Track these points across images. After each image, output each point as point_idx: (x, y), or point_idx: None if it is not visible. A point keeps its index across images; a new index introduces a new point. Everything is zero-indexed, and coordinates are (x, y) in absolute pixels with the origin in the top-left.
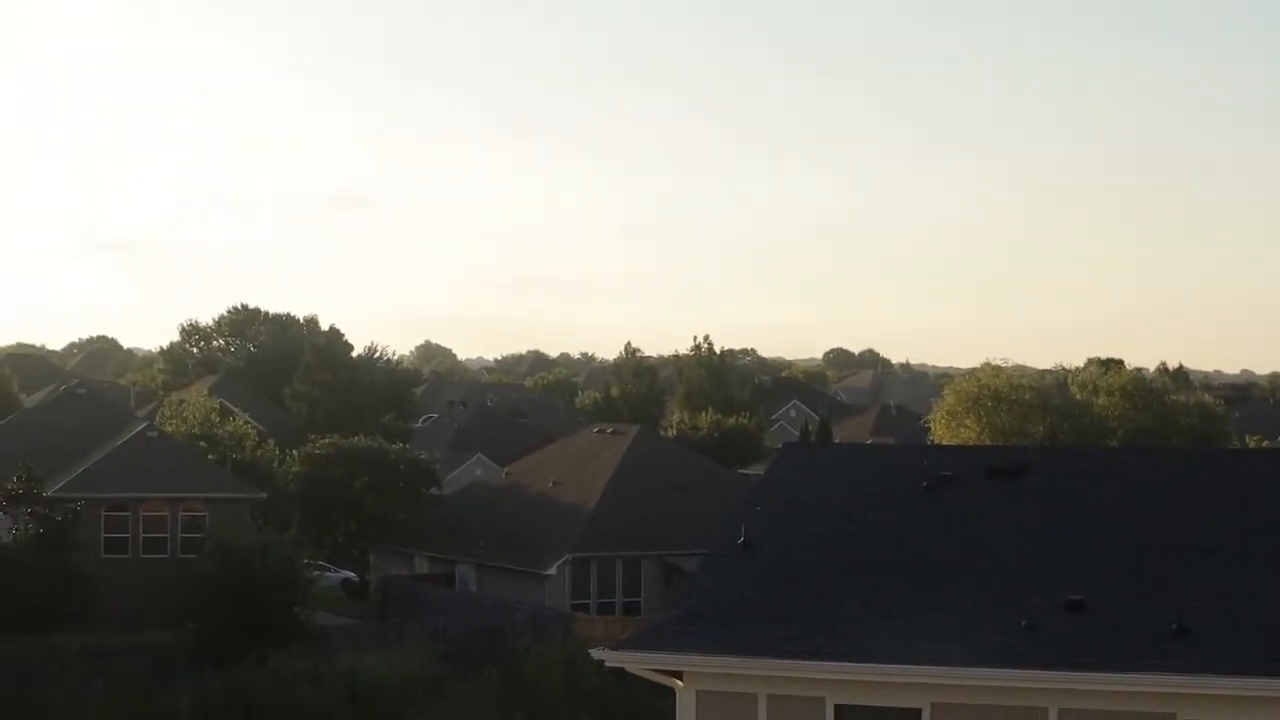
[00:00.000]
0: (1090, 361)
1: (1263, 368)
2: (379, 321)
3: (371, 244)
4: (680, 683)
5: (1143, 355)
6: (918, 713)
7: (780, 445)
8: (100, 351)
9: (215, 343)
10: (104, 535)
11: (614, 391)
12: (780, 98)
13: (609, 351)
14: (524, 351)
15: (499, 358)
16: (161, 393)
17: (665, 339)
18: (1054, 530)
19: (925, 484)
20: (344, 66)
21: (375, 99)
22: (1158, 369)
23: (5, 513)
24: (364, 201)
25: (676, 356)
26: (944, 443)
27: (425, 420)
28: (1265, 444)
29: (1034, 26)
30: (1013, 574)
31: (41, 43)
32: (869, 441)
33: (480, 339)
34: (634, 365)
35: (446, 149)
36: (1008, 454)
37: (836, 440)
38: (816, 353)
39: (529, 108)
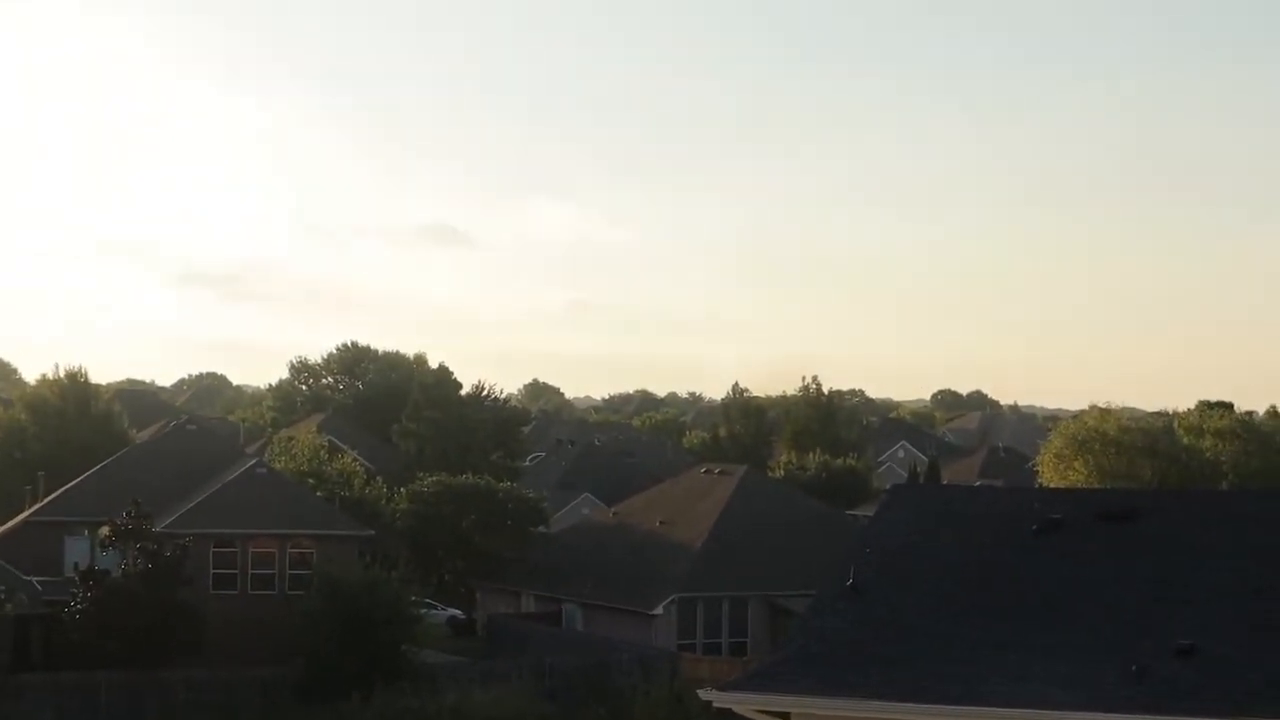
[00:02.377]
0: (1199, 404)
1: None
2: (487, 359)
3: (474, 280)
4: None
5: (1253, 398)
6: None
7: (888, 486)
8: (209, 388)
9: (324, 380)
10: (212, 571)
11: (722, 431)
12: (887, 141)
13: (717, 391)
14: (632, 391)
15: (607, 397)
16: (270, 429)
17: (773, 379)
18: (1164, 574)
19: (1035, 527)
20: (437, 103)
21: (470, 134)
22: (1267, 412)
23: (115, 548)
24: (461, 238)
25: (784, 397)
26: (1052, 485)
27: (533, 459)
28: None
29: (1140, 77)
30: (1122, 618)
31: (136, 80)
32: (977, 483)
33: (588, 378)
34: (742, 405)
35: (544, 184)
36: (1118, 497)
37: (945, 482)
38: (924, 394)
39: (630, 143)
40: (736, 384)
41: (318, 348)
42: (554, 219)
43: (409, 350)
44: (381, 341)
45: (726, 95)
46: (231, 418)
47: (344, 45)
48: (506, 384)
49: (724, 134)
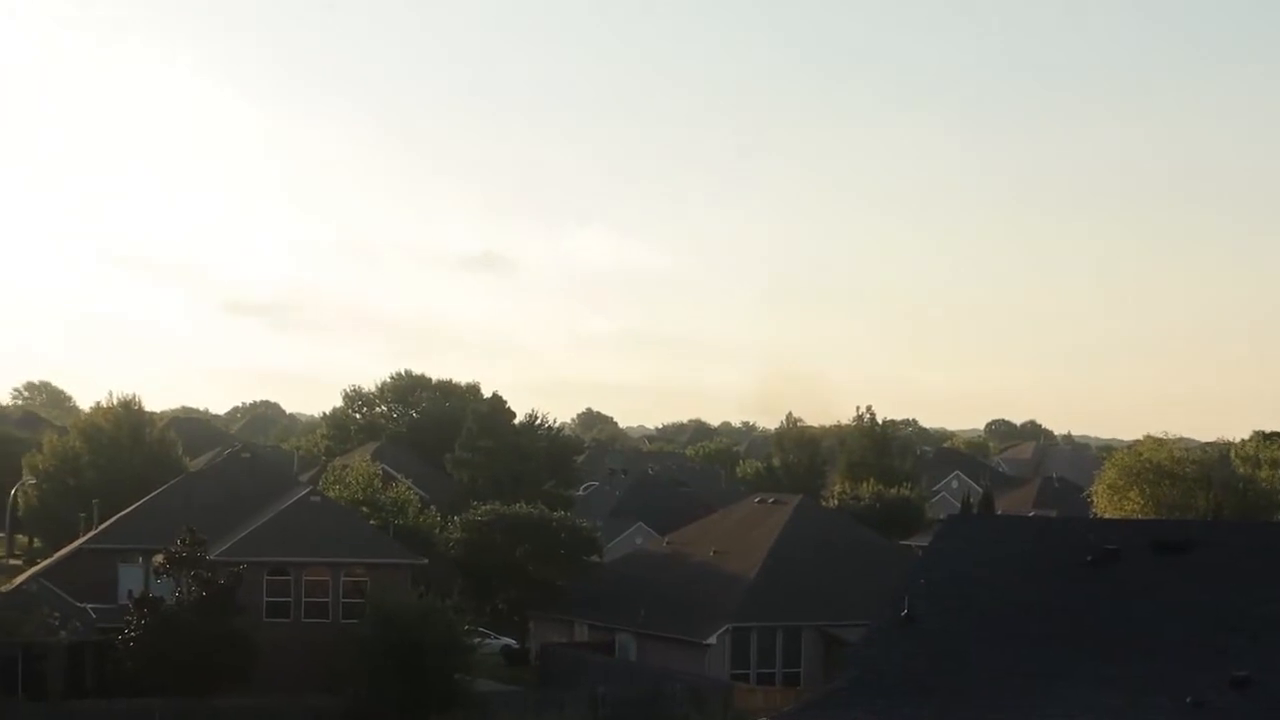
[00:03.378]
0: (1255, 434)
1: None
2: (536, 387)
3: (520, 307)
4: None
5: None
6: None
7: (942, 517)
8: (263, 416)
9: (378, 408)
10: (266, 599)
11: (775, 461)
12: (942, 171)
13: (770, 421)
14: (685, 420)
15: (660, 426)
16: (324, 458)
17: (827, 409)
18: (1220, 605)
19: (1089, 557)
20: (482, 130)
21: (514, 161)
22: None
23: (169, 575)
24: (507, 264)
25: (838, 427)
26: (1107, 516)
27: (586, 488)
28: None
29: (1203, 99)
30: (1178, 649)
31: (182, 108)
32: (1031, 514)
33: (640, 407)
34: (796, 435)
35: (588, 211)
36: (1172, 528)
37: (999, 512)
38: (978, 423)
39: (674, 172)
40: (790, 414)
41: (365, 375)
42: (598, 246)
43: (461, 379)
44: (430, 368)
45: (775, 125)
46: (285, 446)
47: (391, 75)
48: (559, 413)
49: (772, 164)
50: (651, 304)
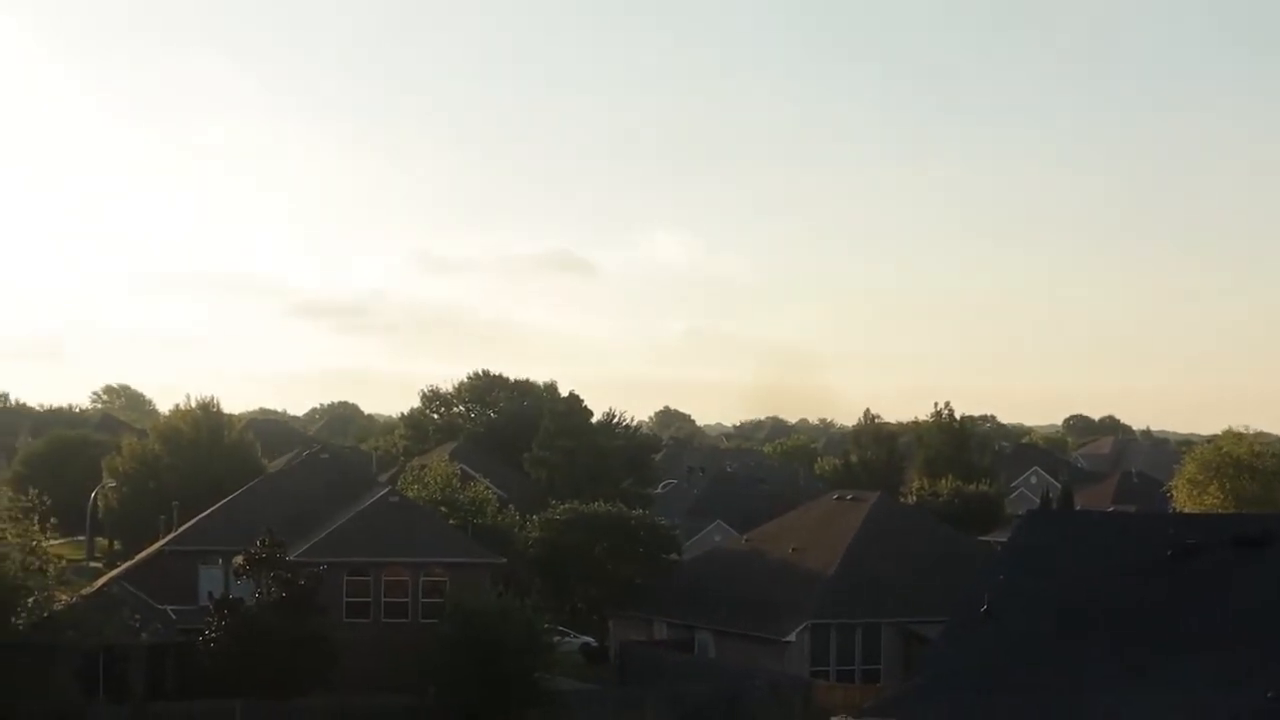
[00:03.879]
0: None
1: None
2: (612, 386)
3: (595, 308)
4: None
5: None
6: None
7: (1021, 512)
8: (341, 417)
9: (456, 408)
10: (345, 599)
11: (854, 458)
12: (1016, 169)
13: (848, 418)
14: (763, 417)
15: (738, 424)
16: (402, 458)
17: (905, 405)
18: None
19: (1170, 552)
20: (554, 133)
21: (588, 164)
22: None
23: (249, 577)
24: (581, 265)
25: (916, 423)
26: (1187, 511)
27: (665, 486)
28: None
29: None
30: (1259, 644)
31: (252, 114)
32: (1110, 509)
33: (717, 405)
34: (874, 431)
35: (661, 214)
36: (1253, 522)
37: (1078, 508)
38: (1056, 419)
39: (746, 174)
40: (868, 410)
41: (441, 376)
42: (671, 247)
43: (538, 378)
44: (506, 368)
45: (847, 126)
46: (364, 446)
47: (464, 79)
48: (636, 411)
49: (843, 164)
50: (725, 305)
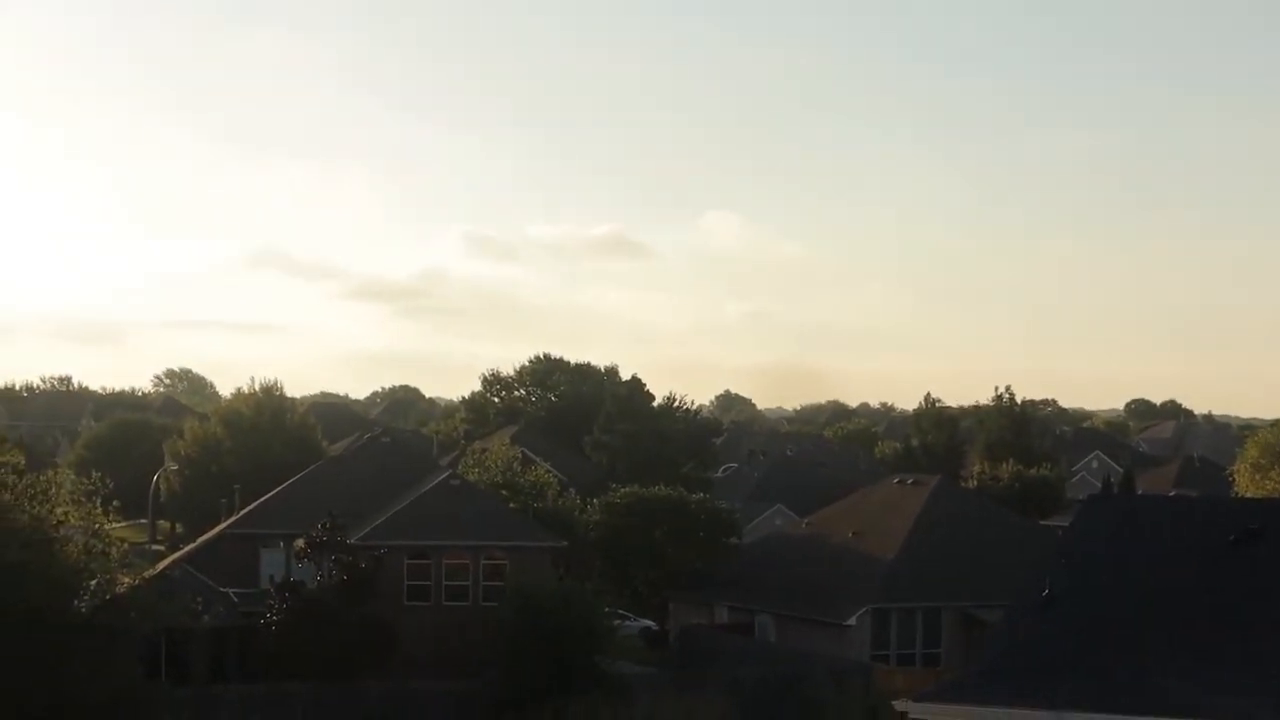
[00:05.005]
0: None
1: None
2: (670, 369)
3: (652, 291)
4: None
5: None
6: None
7: (1083, 497)
8: (402, 400)
9: (517, 392)
10: (406, 583)
11: (914, 442)
12: (1082, 152)
13: (909, 402)
14: (823, 401)
15: (798, 408)
16: (463, 441)
17: (965, 389)
18: None
19: (1232, 537)
20: (610, 116)
21: (643, 148)
22: None
23: (310, 560)
24: (638, 249)
25: (977, 407)
26: (1249, 495)
27: (725, 470)
28: None
29: None
30: None
31: (308, 97)
32: (1172, 494)
33: (777, 389)
34: (934, 416)
35: (716, 197)
36: None
37: (1139, 492)
38: (1117, 403)
39: (798, 156)
40: (929, 394)
41: (498, 359)
42: (727, 231)
43: (597, 361)
44: (564, 351)
45: (902, 107)
46: (424, 430)
47: (518, 60)
48: (696, 395)
49: (897, 146)
50: (785, 289)
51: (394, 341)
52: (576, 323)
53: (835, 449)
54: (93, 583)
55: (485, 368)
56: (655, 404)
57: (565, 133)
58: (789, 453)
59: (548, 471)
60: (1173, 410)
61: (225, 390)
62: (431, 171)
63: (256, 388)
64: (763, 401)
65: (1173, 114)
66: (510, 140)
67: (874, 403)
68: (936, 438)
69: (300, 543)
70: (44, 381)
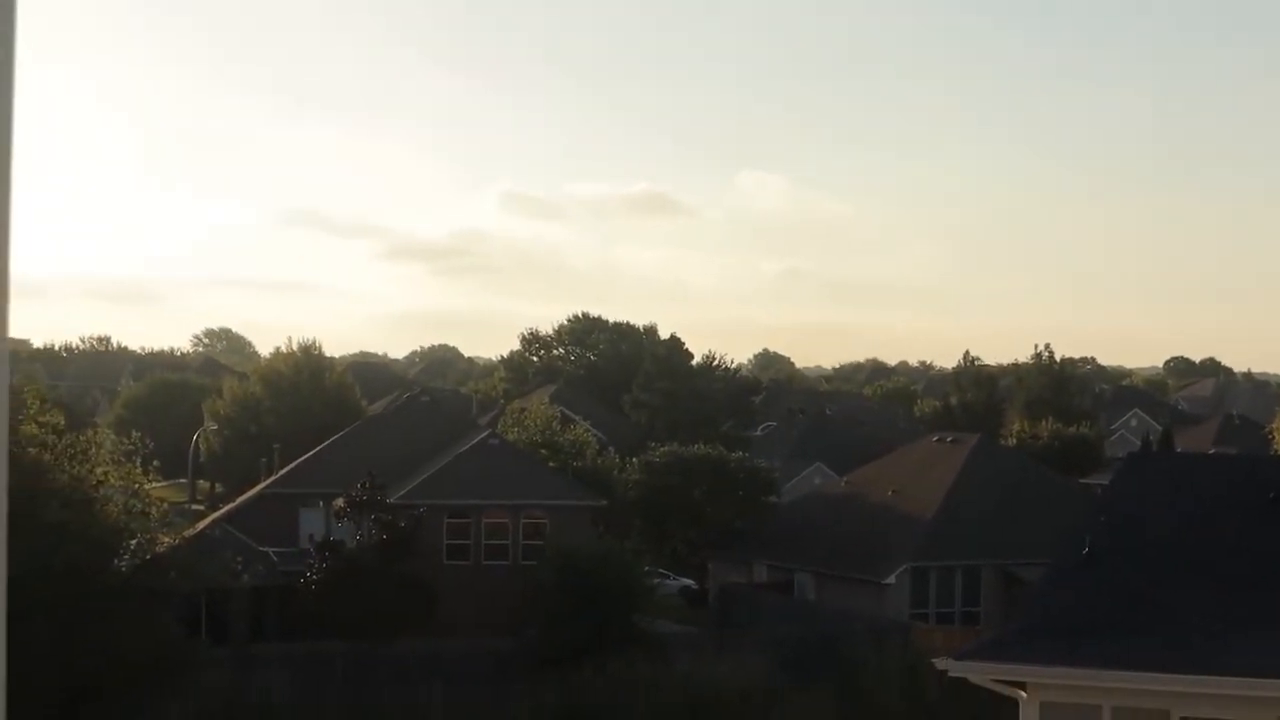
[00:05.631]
0: None
1: None
2: (708, 328)
3: (690, 249)
4: (1024, 694)
5: None
6: None
7: (1122, 455)
8: (441, 360)
9: (555, 351)
10: (445, 542)
11: (953, 400)
12: (1124, 109)
13: (948, 360)
14: (862, 360)
15: (837, 366)
16: (502, 400)
17: (1005, 347)
18: None
19: (1272, 495)
20: (647, 70)
21: (681, 104)
22: None
23: (349, 519)
24: (675, 207)
25: (1016, 365)
26: None
27: (764, 428)
28: None
29: None
30: None
31: (339, 51)
32: (1211, 451)
33: (816, 347)
34: (973, 374)
35: (754, 154)
36: None
37: (1178, 450)
38: (1156, 361)
39: (839, 112)
40: (968, 352)
41: (536, 318)
42: (765, 188)
43: (635, 320)
44: (602, 310)
45: (945, 62)
46: (463, 389)
47: (557, 15)
48: (734, 354)
49: (938, 104)
50: (823, 247)
51: (432, 301)
52: (614, 281)
53: (874, 407)
54: (132, 542)
55: (523, 327)
56: (694, 363)
57: (603, 90)
58: (828, 411)
59: (587, 430)
60: (1212, 368)
61: (264, 350)
62: (469, 129)
63: (295, 347)
64: (801, 360)
65: (1210, 70)
66: (548, 97)
67: (913, 361)
68: (976, 396)
69: (340, 502)
70: (83, 341)
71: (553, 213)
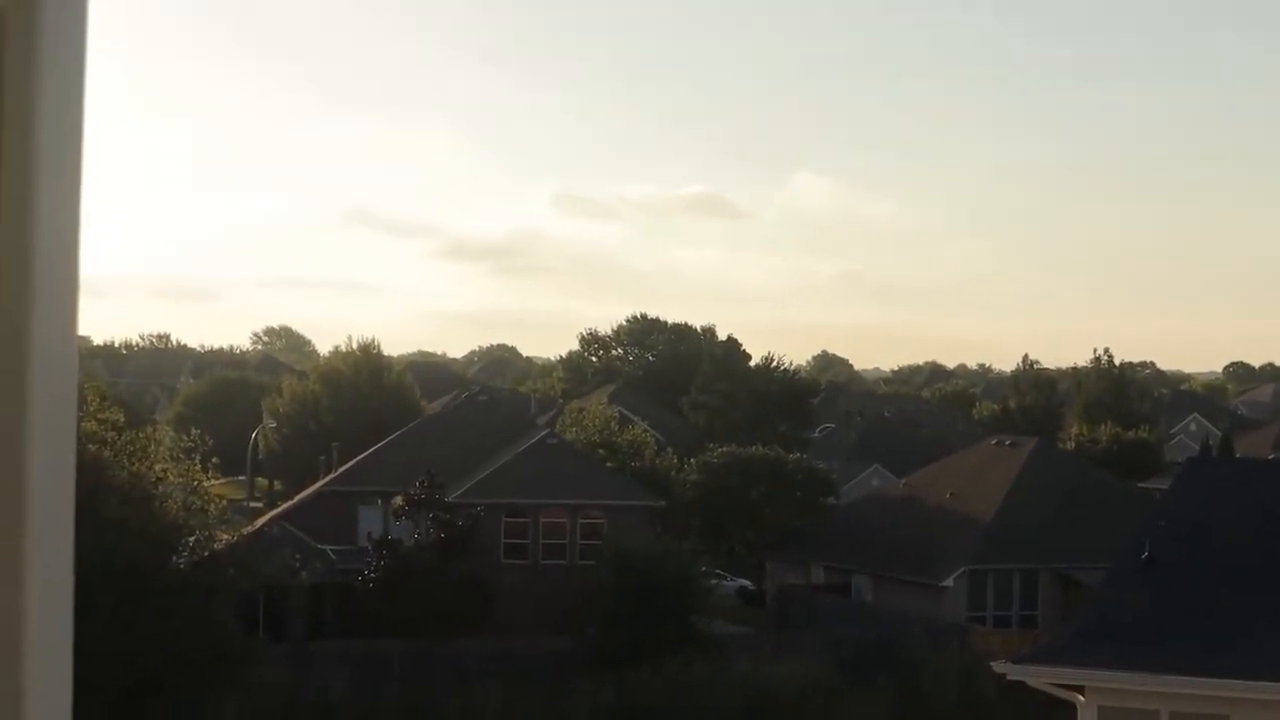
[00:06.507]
0: None
1: None
2: (763, 329)
3: (744, 251)
4: (1082, 698)
5: None
6: None
7: (1181, 460)
8: (500, 359)
9: (614, 351)
10: (504, 541)
11: (1012, 403)
12: (1180, 108)
13: (1007, 363)
14: (921, 362)
15: (896, 368)
16: (561, 400)
17: (1064, 351)
18: None
19: None
20: (694, 74)
21: (734, 106)
22: None
23: (408, 518)
24: (730, 209)
25: (1075, 369)
26: None
27: (822, 430)
28: None
29: None
30: None
31: (393, 54)
32: (1271, 457)
33: (873, 350)
34: (1032, 377)
35: (806, 156)
36: None
37: (1238, 455)
38: (1216, 365)
39: (890, 115)
40: (1026, 356)
41: (593, 318)
42: (817, 189)
43: (692, 321)
44: (658, 311)
45: (997, 66)
46: (522, 389)
47: (605, 15)
48: (792, 355)
49: (992, 106)
50: (879, 249)
51: (489, 300)
52: (669, 282)
53: (933, 410)
54: (191, 539)
55: (579, 327)
56: (752, 364)
57: (652, 90)
58: (886, 413)
59: (645, 431)
60: (1272, 373)
61: (323, 348)
62: (520, 129)
63: (354, 346)
64: (860, 362)
65: (1273, 65)
66: (597, 98)
67: (972, 364)
68: (1034, 399)
69: (398, 500)
70: (143, 339)
71: (606, 213)
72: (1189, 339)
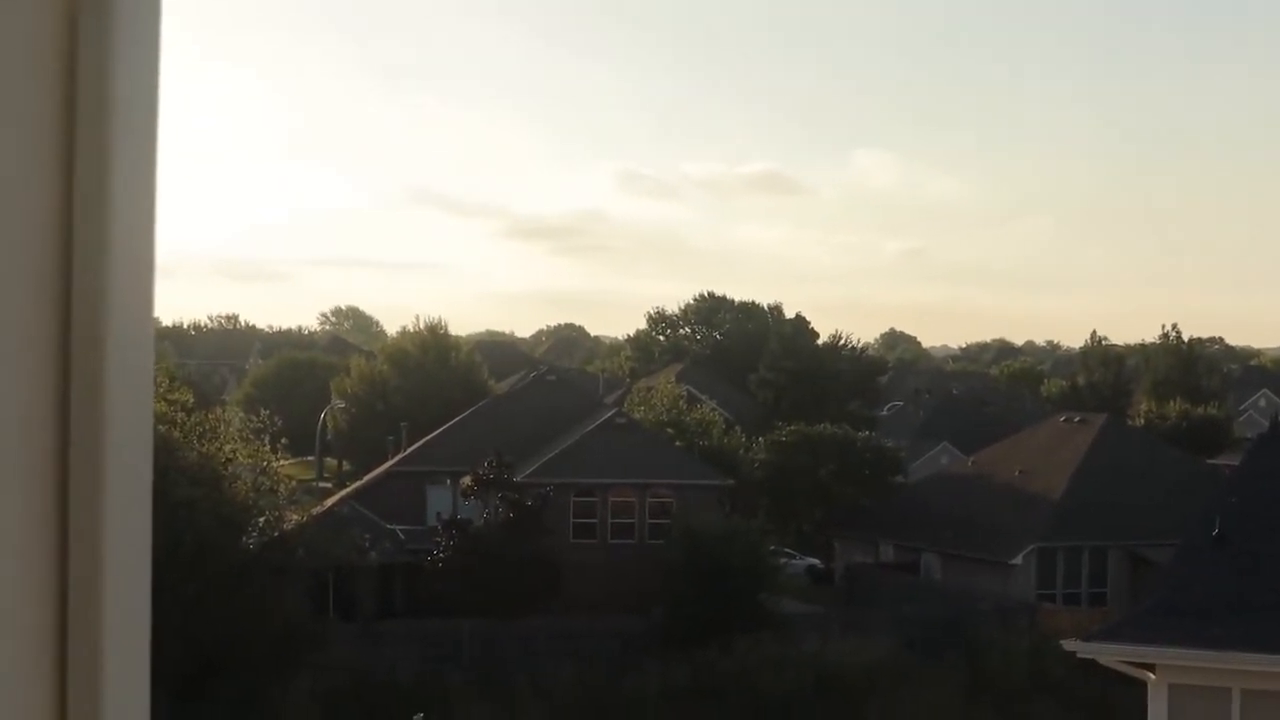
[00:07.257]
0: None
1: None
2: (830, 308)
3: (809, 229)
4: (1153, 676)
5: None
6: None
7: (1251, 436)
8: (568, 339)
9: (682, 330)
10: (572, 520)
11: (1080, 380)
12: (1244, 83)
13: (1075, 340)
14: (989, 340)
15: (964, 346)
16: (629, 379)
17: (1132, 327)
18: None
19: None
20: (754, 48)
21: (800, 81)
22: None
23: (476, 497)
24: (793, 185)
25: (1143, 345)
26: None
27: (890, 408)
28: None
29: None
30: None
31: (457, 33)
32: None
33: (941, 327)
34: (1101, 354)
35: (869, 132)
36: None
37: None
38: None
39: (953, 91)
40: (1094, 332)
41: (659, 297)
42: (882, 166)
43: (758, 299)
44: (724, 289)
45: (1064, 42)
46: (590, 368)
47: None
48: (859, 333)
49: (1058, 81)
50: (945, 226)
51: (555, 280)
52: (735, 261)
53: (1001, 387)
54: (260, 519)
55: (646, 306)
56: (820, 342)
57: (713, 68)
58: (954, 391)
59: (713, 410)
60: None
61: (390, 329)
62: (582, 108)
63: (422, 326)
64: (928, 340)
65: None
66: (660, 75)
67: (1039, 341)
68: (1103, 376)
69: (467, 480)
70: (211, 320)
71: (669, 192)
72: (1258, 314)
